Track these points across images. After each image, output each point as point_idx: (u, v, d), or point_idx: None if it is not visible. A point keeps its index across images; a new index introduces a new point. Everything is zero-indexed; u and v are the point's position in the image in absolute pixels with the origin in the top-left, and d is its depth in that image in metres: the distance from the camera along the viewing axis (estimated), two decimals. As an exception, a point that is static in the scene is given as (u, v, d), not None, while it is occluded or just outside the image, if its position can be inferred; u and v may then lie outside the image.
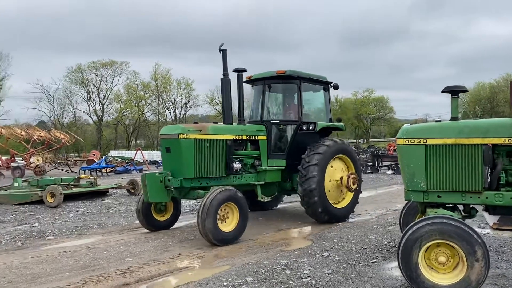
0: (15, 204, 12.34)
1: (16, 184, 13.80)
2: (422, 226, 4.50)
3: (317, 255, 6.48)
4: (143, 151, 36.75)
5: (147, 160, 34.32)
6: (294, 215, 10.27)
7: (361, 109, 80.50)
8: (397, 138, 5.26)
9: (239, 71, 8.84)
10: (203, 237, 7.06)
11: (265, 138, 8.96)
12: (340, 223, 9.04)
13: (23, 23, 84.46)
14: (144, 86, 63.32)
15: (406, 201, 6.08)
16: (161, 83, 63.56)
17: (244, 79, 9.29)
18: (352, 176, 9.15)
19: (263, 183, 8.58)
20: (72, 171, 26.69)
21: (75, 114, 59.47)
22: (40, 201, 12.29)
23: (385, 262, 6.05)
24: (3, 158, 26.46)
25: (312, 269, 5.75)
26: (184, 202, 12.91)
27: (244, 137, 8.60)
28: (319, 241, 7.51)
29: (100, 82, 59.84)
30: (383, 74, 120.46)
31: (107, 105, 61.76)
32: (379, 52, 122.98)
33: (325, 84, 9.85)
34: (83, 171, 23.80)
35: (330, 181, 8.99)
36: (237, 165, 8.30)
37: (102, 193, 14.48)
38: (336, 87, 9.85)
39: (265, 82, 9.31)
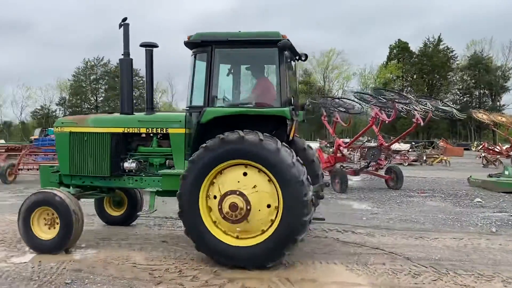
0: (502, 192, 12.98)
1: (506, 173, 14.43)
2: None
3: None
4: None
5: None
6: None
7: None
8: None
9: (148, 46, 7.00)
10: None
11: (182, 131, 6.75)
12: None
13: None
14: None
15: None
16: None
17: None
18: (230, 195, 5.74)
19: (155, 190, 6.74)
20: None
21: None
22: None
23: None
24: (505, 146, 27.34)
25: None
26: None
27: (143, 130, 6.93)
28: None
29: None
30: None
31: None
32: None
33: (271, 45, 6.13)
34: None
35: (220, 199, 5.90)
36: (130, 165, 6.89)
37: None
38: (283, 47, 6.04)
39: (192, 54, 6.71)
